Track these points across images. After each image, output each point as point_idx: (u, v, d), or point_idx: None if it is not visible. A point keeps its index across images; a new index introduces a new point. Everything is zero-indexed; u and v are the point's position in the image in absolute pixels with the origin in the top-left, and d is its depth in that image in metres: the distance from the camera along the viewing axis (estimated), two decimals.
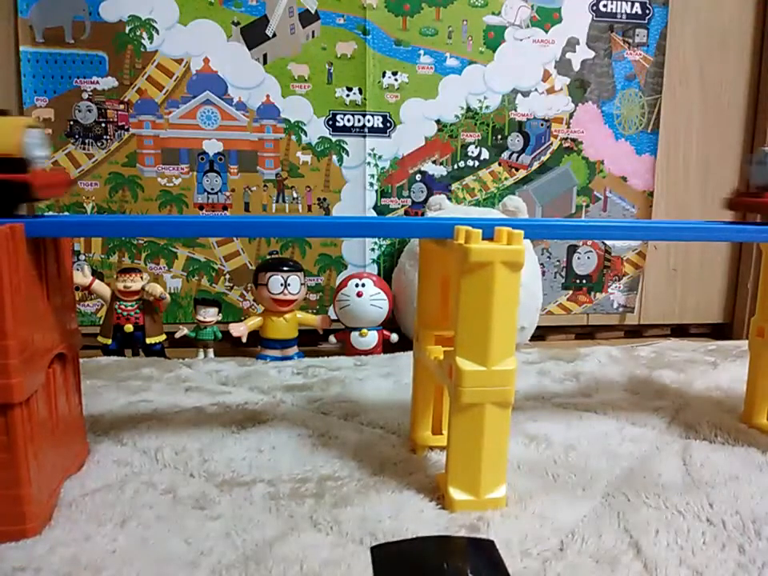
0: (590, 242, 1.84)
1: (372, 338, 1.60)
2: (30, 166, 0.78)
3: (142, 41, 1.59)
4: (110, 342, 1.49)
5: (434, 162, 1.74)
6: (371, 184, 1.72)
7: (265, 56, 1.63)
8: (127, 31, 1.58)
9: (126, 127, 1.62)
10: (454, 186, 1.75)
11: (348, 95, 1.67)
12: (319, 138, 1.68)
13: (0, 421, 0.72)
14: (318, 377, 1.36)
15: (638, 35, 1.75)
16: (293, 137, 1.67)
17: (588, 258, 1.84)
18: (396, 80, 1.68)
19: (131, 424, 1.07)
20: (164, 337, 1.55)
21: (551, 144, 1.77)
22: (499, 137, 1.75)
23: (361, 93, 1.67)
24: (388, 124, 1.70)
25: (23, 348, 0.73)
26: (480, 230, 0.77)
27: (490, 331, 0.76)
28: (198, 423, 1.08)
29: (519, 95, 1.74)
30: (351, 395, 1.24)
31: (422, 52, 1.68)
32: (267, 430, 1.06)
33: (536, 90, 1.74)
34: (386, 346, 1.63)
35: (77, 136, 1.61)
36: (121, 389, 1.26)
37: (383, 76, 1.67)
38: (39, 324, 0.79)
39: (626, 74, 1.76)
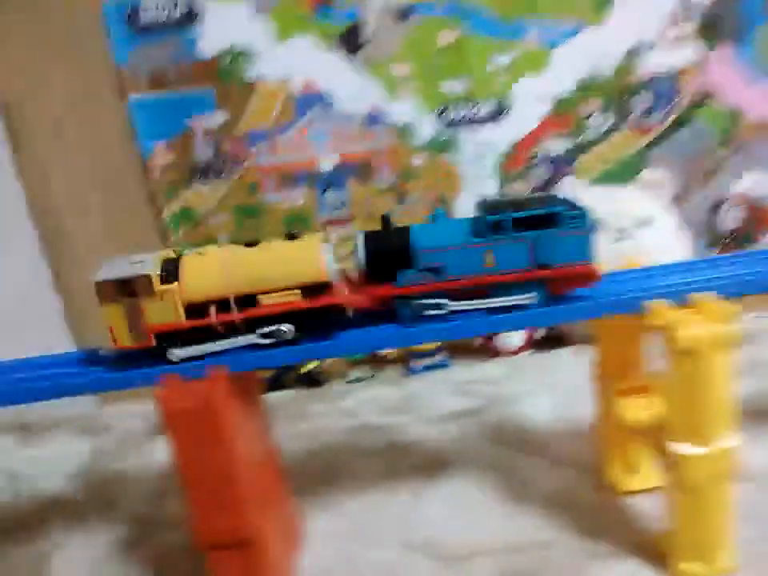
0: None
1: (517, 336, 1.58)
2: (333, 284, 0.77)
3: (244, 71, 1.56)
4: None
5: (554, 138, 1.64)
6: (490, 174, 1.65)
7: (365, 60, 1.57)
8: (228, 63, 1.56)
9: (242, 159, 1.63)
10: (578, 161, 1.66)
11: (455, 86, 1.59)
12: (431, 135, 1.63)
13: None
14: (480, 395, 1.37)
15: None
16: (404, 139, 1.62)
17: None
18: (504, 61, 1.58)
19: None
20: None
21: (681, 99, 1.62)
22: (624, 99, 1.62)
23: (468, 81, 1.59)
24: (500, 109, 1.61)
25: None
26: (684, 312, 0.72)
27: (705, 412, 0.73)
28: None
29: (641, 51, 1.59)
30: (518, 418, 1.24)
31: (528, 25, 1.56)
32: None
33: (660, 42, 1.58)
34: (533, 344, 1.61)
35: (199, 175, 1.64)
36: None
37: (489, 59, 1.57)
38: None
39: (761, 8, 1.57)
